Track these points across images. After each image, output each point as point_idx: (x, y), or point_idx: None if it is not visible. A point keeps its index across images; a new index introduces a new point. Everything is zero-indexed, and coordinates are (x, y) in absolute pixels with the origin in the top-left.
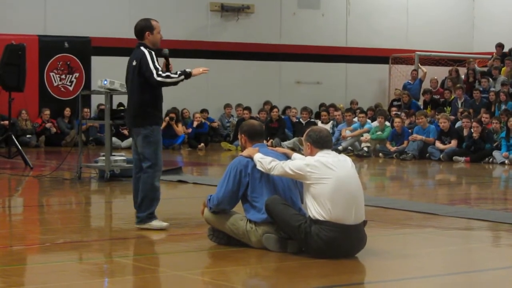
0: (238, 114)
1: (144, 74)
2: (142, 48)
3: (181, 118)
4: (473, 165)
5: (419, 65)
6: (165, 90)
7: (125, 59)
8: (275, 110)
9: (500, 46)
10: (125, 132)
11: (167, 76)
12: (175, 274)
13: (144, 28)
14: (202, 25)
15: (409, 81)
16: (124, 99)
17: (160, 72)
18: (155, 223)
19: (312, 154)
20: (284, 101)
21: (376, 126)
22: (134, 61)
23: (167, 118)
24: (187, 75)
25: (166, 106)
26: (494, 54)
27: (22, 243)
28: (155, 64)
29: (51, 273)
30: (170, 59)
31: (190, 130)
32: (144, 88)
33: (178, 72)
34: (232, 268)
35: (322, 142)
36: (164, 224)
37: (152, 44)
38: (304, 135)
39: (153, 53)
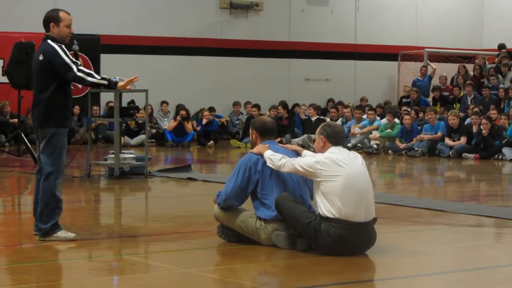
0: (248, 112)
1: (57, 70)
2: (49, 41)
3: (196, 115)
4: (482, 162)
5: (428, 61)
6: (173, 88)
7: (135, 57)
8: (279, 107)
9: (502, 47)
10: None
11: (89, 74)
12: (185, 272)
13: (49, 18)
14: (211, 22)
15: (419, 78)
16: (134, 96)
17: (82, 68)
18: (61, 234)
19: (324, 148)
20: (293, 98)
21: (385, 123)
22: (41, 55)
23: (179, 117)
24: (112, 84)
25: (174, 104)
26: (502, 53)
27: (31, 241)
28: (71, 58)
29: (61, 271)
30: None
31: (199, 128)
32: (53, 85)
33: (99, 76)
34: (242, 266)
35: (336, 138)
36: (72, 234)
37: (58, 37)
38: (319, 128)
39: (63, 46)
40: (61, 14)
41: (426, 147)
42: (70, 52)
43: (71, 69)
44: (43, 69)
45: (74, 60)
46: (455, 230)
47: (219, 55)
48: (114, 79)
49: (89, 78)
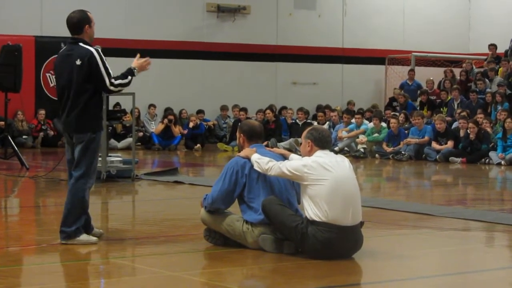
0: (235, 115)
1: (93, 77)
2: (84, 45)
3: (179, 118)
4: (469, 166)
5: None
6: (160, 91)
7: (122, 60)
8: (268, 111)
9: (493, 46)
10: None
11: (119, 85)
12: (172, 275)
13: (83, 20)
14: (198, 25)
15: (407, 81)
16: (119, 99)
17: (113, 80)
18: (84, 238)
19: (311, 152)
20: (281, 102)
21: (372, 127)
22: (79, 60)
23: (166, 120)
24: (132, 73)
25: (161, 107)
26: (489, 55)
27: (18, 244)
28: (107, 70)
29: (48, 274)
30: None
31: (186, 131)
32: (91, 89)
33: (128, 77)
34: (229, 269)
35: (323, 142)
36: (93, 238)
37: (89, 39)
38: (305, 132)
39: (100, 52)
40: (90, 15)
41: (413, 151)
42: None
43: (104, 82)
44: (81, 75)
45: (109, 71)
46: (442, 234)
47: (206, 59)
48: (133, 68)
49: (119, 88)
